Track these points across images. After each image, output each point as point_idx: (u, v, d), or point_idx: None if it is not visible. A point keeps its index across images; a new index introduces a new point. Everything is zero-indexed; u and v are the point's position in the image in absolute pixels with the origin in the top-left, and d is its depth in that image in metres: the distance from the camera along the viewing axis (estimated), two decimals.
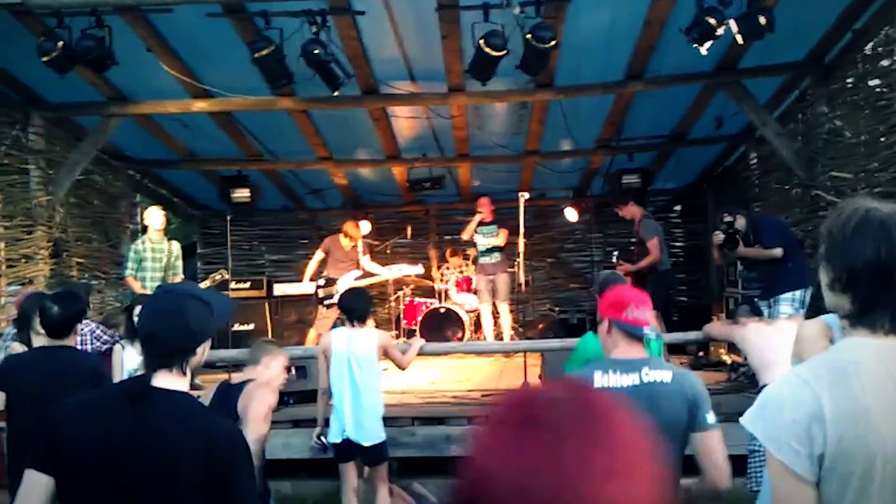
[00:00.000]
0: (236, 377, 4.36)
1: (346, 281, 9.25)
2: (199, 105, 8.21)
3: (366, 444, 5.14)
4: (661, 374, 2.86)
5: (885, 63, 6.87)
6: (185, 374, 2.17)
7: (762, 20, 6.12)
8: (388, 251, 12.23)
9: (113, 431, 2.04)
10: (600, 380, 2.86)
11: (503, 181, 11.31)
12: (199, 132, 9.24)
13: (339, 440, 5.18)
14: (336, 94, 7.07)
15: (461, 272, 10.96)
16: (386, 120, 9.20)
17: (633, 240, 9.72)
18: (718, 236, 7.11)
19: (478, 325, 10.53)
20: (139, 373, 2.20)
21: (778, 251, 6.84)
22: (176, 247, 8.32)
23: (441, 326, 9.93)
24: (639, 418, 0.97)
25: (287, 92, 7.79)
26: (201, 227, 13.01)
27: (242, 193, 10.41)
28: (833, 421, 1.55)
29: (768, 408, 1.65)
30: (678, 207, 12.88)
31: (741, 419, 1.70)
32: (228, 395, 4.01)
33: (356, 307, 5.34)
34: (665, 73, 7.87)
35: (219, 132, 9.26)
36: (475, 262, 10.57)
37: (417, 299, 10.75)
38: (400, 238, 12.21)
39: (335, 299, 9.21)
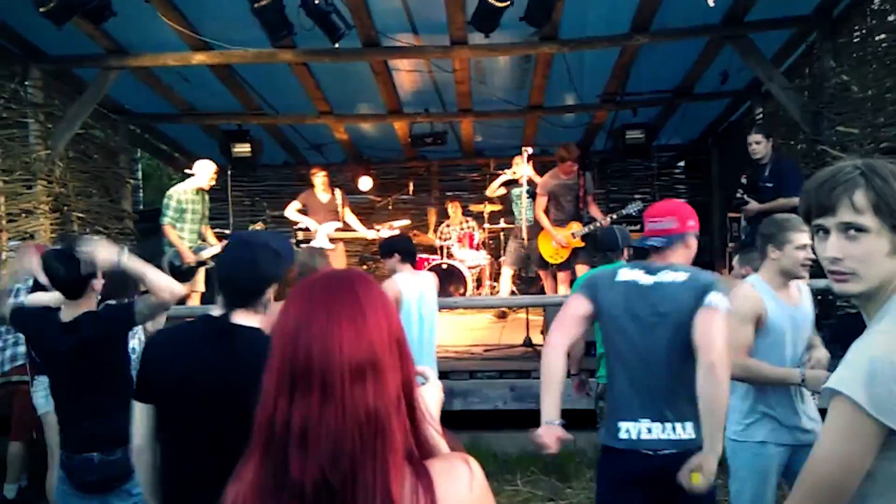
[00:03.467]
0: None
1: (326, 229, 9.22)
2: (199, 58, 8.10)
3: None
4: (677, 276, 3.13)
5: (892, 18, 6.76)
6: (258, 312, 2.48)
7: None
8: (391, 207, 12.21)
9: (197, 361, 2.37)
10: (623, 274, 3.22)
11: (506, 136, 11.23)
12: (198, 85, 9.15)
13: None
14: (336, 46, 6.98)
15: (462, 228, 10.93)
16: (387, 73, 9.09)
17: (637, 194, 9.68)
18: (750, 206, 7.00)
19: (479, 282, 10.53)
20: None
21: (797, 201, 6.72)
22: (208, 198, 8.38)
23: (443, 282, 9.91)
24: (377, 291, 1.36)
25: (287, 44, 7.69)
26: None
27: (243, 148, 10.33)
28: None
29: (878, 373, 1.51)
30: (682, 163, 12.80)
31: (833, 383, 1.57)
32: None
33: (413, 250, 5.37)
34: (671, 27, 7.77)
35: (219, 85, 9.17)
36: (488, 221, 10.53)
37: (419, 255, 10.73)
38: (402, 194, 12.17)
39: (316, 244, 9.18)
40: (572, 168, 8.12)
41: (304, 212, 9.47)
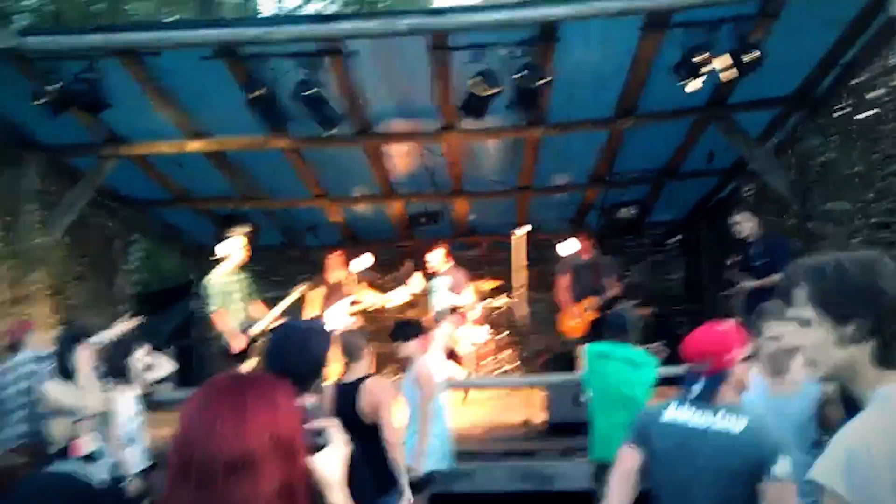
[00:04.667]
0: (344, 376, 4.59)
1: (339, 310, 9.26)
2: (194, 145, 8.25)
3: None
4: (734, 424, 2.84)
5: (875, 94, 6.90)
6: (315, 392, 2.60)
7: (750, 56, 6.19)
8: (387, 286, 12.23)
9: None
10: (672, 412, 2.97)
11: (499, 215, 11.32)
12: (193, 171, 9.27)
13: (441, 468, 5.32)
14: (326, 134, 7.12)
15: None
16: (381, 157, 9.24)
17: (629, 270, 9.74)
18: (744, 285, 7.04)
19: (480, 359, 10.49)
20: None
21: None
22: (244, 275, 8.18)
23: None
24: (266, 393, 1.46)
25: (281, 132, 7.83)
26: (198, 265, 12.98)
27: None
28: None
29: (856, 462, 1.55)
30: (677, 238, 12.88)
31: (814, 475, 1.60)
32: (345, 393, 4.36)
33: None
34: (656, 109, 7.92)
35: (213, 171, 9.29)
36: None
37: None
38: (397, 273, 12.20)
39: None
40: (590, 248, 8.68)
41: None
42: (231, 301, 7.81)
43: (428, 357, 5.49)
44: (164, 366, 5.88)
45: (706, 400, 2.93)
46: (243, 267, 8.11)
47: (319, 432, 1.66)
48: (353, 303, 9.41)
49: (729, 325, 3.10)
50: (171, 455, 1.41)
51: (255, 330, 7.83)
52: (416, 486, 5.01)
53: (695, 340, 3.08)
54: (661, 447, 2.94)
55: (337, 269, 9.44)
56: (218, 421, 1.39)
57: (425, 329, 5.58)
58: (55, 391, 4.81)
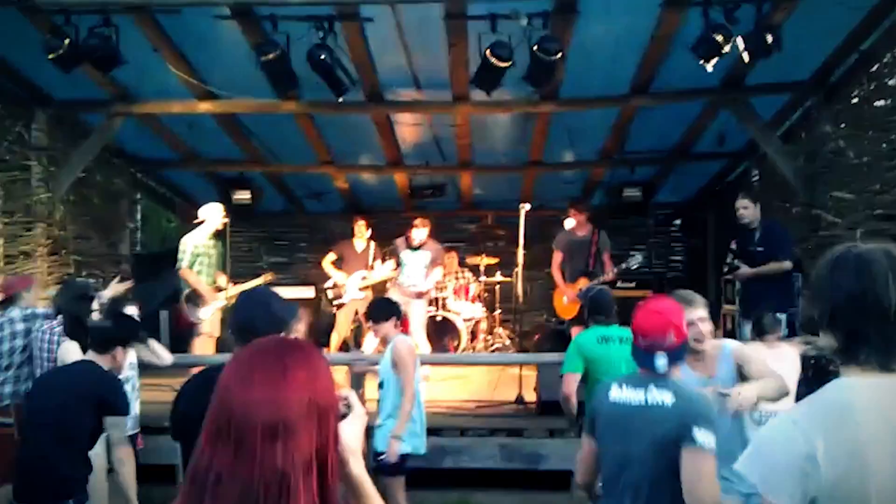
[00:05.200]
0: None
1: (354, 281, 9.29)
2: (204, 106, 8.21)
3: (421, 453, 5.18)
4: (663, 396, 2.89)
5: (890, 82, 6.86)
6: None
7: (769, 39, 6.14)
8: (388, 257, 12.22)
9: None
10: (615, 392, 3.02)
11: (504, 190, 11.31)
12: (202, 133, 9.24)
13: (420, 451, 5.16)
14: (340, 99, 7.08)
15: (457, 279, 10.93)
16: (389, 126, 9.20)
17: (634, 251, 9.70)
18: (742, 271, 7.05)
19: (474, 335, 10.51)
20: None
21: (788, 264, 6.79)
22: (220, 243, 8.27)
23: (438, 334, 9.89)
24: (305, 358, 1.47)
25: (292, 96, 7.79)
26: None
27: (243, 195, 10.41)
28: (826, 464, 1.55)
29: (762, 451, 1.67)
30: (678, 221, 12.87)
31: (736, 465, 1.70)
32: None
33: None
34: (670, 88, 7.88)
35: (222, 133, 9.26)
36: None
37: None
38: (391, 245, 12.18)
39: (344, 300, 9.42)
40: (585, 224, 8.25)
41: (338, 262, 9.55)
42: (199, 264, 7.92)
43: (406, 337, 5.35)
44: (164, 357, 5.96)
45: (667, 375, 2.96)
46: (218, 235, 8.18)
47: (342, 400, 1.65)
48: (363, 277, 9.45)
49: (670, 300, 3.19)
50: (209, 417, 1.42)
51: (219, 299, 7.98)
52: (392, 469, 4.97)
53: (653, 315, 3.04)
54: (604, 428, 3.05)
55: (361, 237, 9.49)
56: (258, 385, 1.40)
57: (401, 308, 5.47)
58: (75, 352, 4.78)
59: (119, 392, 4.14)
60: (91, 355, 4.20)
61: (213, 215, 8.08)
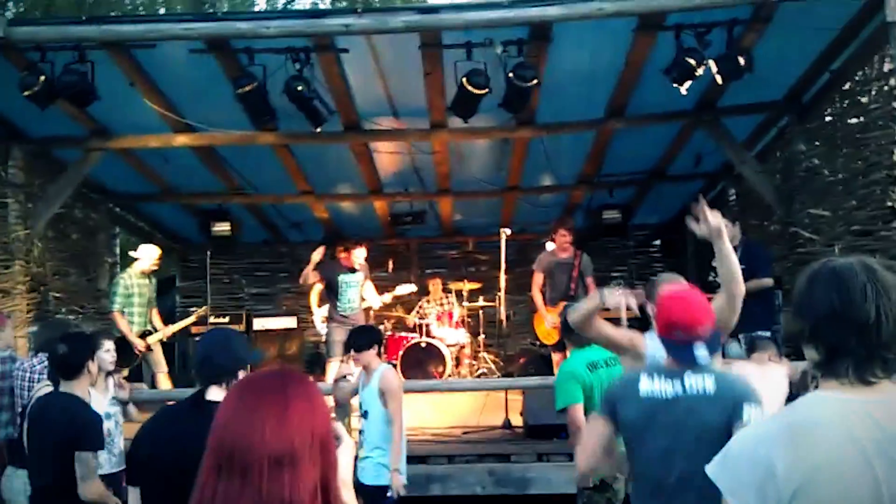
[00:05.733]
0: None
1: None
2: (181, 140, 8.18)
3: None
4: (705, 383, 2.82)
5: (863, 101, 6.95)
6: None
7: (741, 61, 6.23)
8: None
9: (174, 438, 2.61)
10: (646, 384, 2.89)
11: (484, 215, 11.34)
12: (179, 166, 9.21)
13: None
14: (318, 130, 7.09)
15: (441, 305, 10.90)
16: (368, 155, 9.21)
17: (617, 273, 9.75)
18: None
19: (458, 361, 10.47)
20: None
21: (769, 281, 6.82)
22: (154, 281, 8.40)
23: (422, 361, 9.84)
24: (305, 390, 1.50)
25: (270, 127, 7.78)
26: (181, 260, 12.93)
27: (223, 227, 10.38)
28: (785, 479, 1.55)
29: (728, 461, 1.69)
30: (657, 242, 12.95)
31: (707, 468, 1.73)
32: None
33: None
34: (645, 112, 7.96)
35: (200, 166, 9.23)
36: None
37: (399, 333, 10.67)
38: (381, 272, 12.17)
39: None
40: (569, 246, 8.20)
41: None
42: (131, 303, 8.00)
43: (390, 366, 5.30)
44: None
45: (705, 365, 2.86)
46: (150, 274, 8.29)
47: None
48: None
49: (685, 285, 3.22)
50: (211, 449, 1.44)
51: (152, 339, 8.12)
52: (376, 500, 4.90)
53: (686, 305, 2.96)
54: (636, 423, 2.89)
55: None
56: (262, 417, 1.43)
57: (384, 336, 5.43)
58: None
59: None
60: (65, 386, 4.08)
61: (146, 256, 8.19)
